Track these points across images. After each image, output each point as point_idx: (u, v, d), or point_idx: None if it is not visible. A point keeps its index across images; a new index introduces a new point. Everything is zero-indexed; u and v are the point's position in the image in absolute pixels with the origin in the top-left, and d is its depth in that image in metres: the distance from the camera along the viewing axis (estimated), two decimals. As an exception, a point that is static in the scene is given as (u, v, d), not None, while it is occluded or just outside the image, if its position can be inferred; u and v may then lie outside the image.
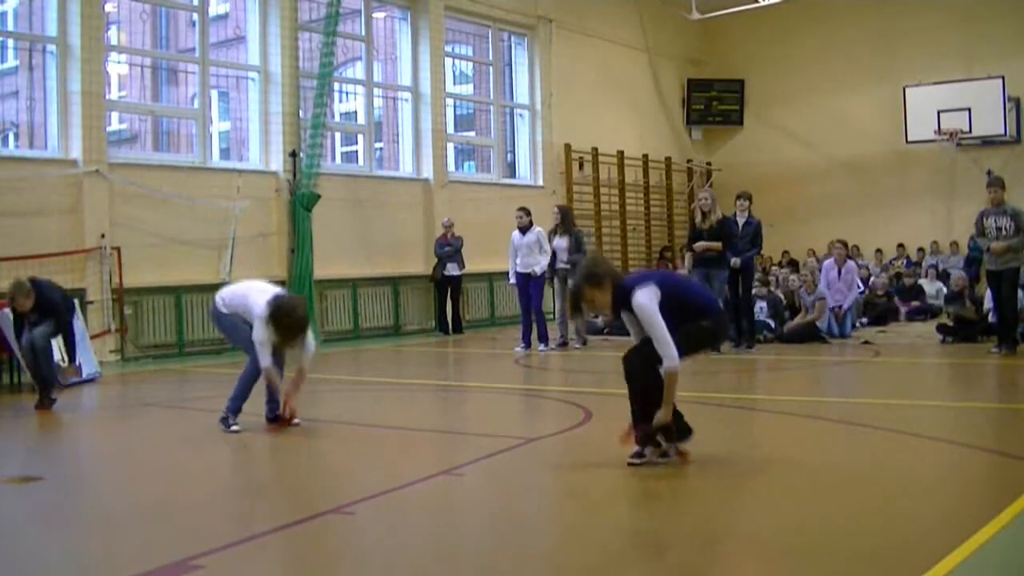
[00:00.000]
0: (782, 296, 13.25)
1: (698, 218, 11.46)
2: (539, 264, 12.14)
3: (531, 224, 12.31)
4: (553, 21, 18.61)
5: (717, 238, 11.19)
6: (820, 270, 13.81)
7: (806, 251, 19.35)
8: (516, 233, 12.35)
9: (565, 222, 12.53)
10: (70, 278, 11.52)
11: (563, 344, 12.42)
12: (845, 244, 13.36)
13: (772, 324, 12.69)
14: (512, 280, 12.50)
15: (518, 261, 12.33)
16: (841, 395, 8.81)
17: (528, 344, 12.40)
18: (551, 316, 12.85)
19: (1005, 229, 10.26)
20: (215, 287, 12.69)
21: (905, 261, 19.23)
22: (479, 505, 4.95)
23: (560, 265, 12.30)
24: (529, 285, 12.26)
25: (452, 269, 15.07)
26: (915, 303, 15.42)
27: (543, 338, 12.33)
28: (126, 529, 4.52)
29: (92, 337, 11.03)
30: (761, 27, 21.17)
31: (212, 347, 12.85)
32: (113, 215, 12.08)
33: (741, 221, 11.70)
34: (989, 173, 15.41)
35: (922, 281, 16.29)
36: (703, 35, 22.13)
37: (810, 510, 4.53)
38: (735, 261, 11.38)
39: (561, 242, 12.34)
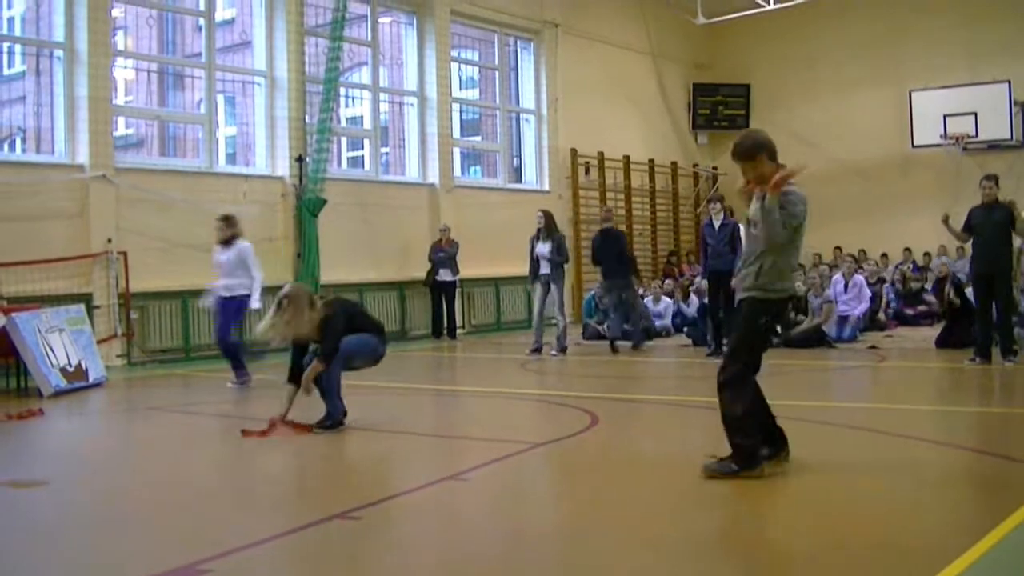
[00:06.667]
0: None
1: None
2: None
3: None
4: (559, 26, 18.63)
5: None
6: (829, 277, 13.80)
7: (812, 255, 19.30)
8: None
9: (548, 227, 12.27)
10: (76, 283, 11.58)
11: (537, 350, 12.22)
12: (855, 258, 13.34)
13: (777, 329, 12.68)
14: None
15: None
16: (846, 399, 8.80)
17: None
18: (554, 320, 12.72)
19: None
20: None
21: (911, 265, 19.17)
22: (486, 510, 4.95)
23: (543, 271, 12.18)
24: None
25: (445, 275, 15.08)
26: (921, 307, 15.39)
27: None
28: (133, 533, 4.52)
29: (99, 342, 11.03)
30: (766, 31, 21.15)
31: (218, 352, 12.86)
32: (119, 220, 12.11)
33: (717, 224, 11.62)
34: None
35: (928, 285, 16.23)
36: (708, 39, 22.13)
37: (815, 514, 4.52)
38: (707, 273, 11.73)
39: (543, 248, 12.16)
